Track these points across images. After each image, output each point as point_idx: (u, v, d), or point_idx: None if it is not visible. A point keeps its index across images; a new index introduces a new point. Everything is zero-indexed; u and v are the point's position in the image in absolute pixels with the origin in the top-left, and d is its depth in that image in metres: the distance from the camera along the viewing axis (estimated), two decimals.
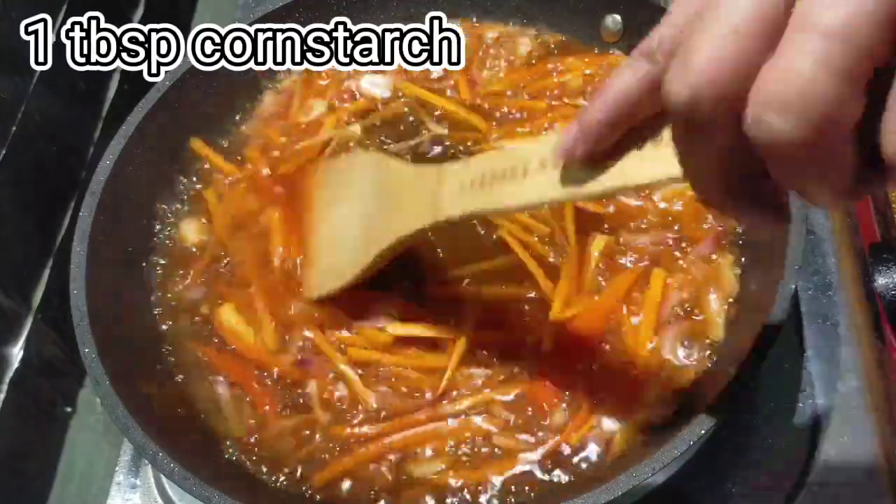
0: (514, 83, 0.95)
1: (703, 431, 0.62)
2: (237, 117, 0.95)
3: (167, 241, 0.87)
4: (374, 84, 0.96)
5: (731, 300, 0.77)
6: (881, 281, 0.86)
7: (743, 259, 0.79)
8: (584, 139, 0.47)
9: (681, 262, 0.80)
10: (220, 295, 0.82)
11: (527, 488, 0.70)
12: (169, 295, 0.83)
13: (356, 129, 0.93)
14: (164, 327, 0.82)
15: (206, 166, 0.92)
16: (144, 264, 0.85)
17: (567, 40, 0.97)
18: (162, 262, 0.86)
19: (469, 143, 0.90)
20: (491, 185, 0.58)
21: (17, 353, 0.85)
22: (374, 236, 0.72)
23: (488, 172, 0.59)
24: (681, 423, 0.64)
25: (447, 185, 0.63)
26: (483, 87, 0.95)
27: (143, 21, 1.10)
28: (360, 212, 0.75)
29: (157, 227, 0.87)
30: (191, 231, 0.87)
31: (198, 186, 0.90)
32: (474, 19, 1.00)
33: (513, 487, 0.70)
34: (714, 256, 0.79)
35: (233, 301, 0.82)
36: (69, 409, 0.92)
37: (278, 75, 0.98)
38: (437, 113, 0.93)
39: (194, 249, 0.86)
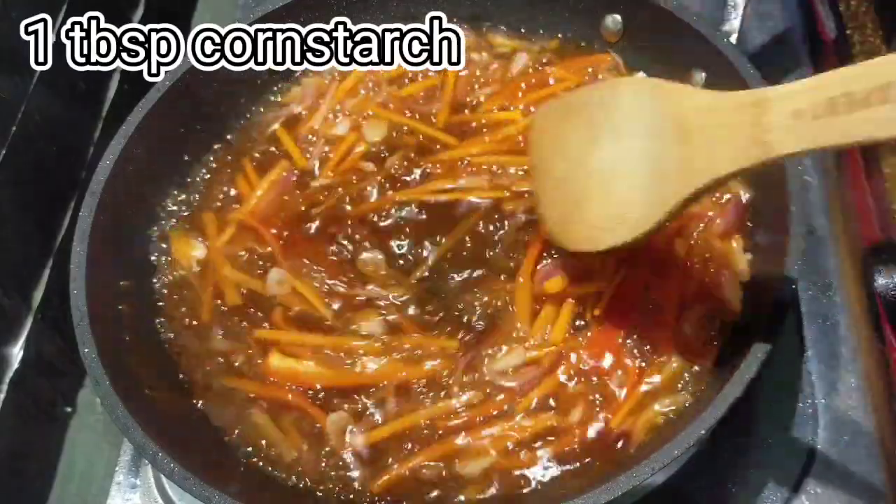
0: (500, 100, 0.94)
1: (702, 431, 0.62)
2: (241, 120, 0.95)
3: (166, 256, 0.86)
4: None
5: (742, 283, 0.76)
6: (881, 281, 0.86)
7: (753, 243, 0.78)
8: None
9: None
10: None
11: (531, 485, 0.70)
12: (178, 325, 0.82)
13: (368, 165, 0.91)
14: (170, 337, 0.81)
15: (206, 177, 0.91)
16: (144, 266, 0.85)
17: (567, 42, 0.97)
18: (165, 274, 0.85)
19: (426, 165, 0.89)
20: (849, 111, 0.48)
21: (17, 353, 0.85)
22: (670, 180, 0.60)
23: (839, 97, 0.49)
24: (681, 422, 0.64)
25: (774, 114, 0.53)
26: (468, 105, 0.94)
27: (143, 21, 1.10)
28: (639, 150, 0.63)
29: (157, 232, 0.87)
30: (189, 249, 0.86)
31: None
32: (482, 30, 0.99)
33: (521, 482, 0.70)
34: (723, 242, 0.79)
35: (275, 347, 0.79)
36: (69, 409, 0.92)
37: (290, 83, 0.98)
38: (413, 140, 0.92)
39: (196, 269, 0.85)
